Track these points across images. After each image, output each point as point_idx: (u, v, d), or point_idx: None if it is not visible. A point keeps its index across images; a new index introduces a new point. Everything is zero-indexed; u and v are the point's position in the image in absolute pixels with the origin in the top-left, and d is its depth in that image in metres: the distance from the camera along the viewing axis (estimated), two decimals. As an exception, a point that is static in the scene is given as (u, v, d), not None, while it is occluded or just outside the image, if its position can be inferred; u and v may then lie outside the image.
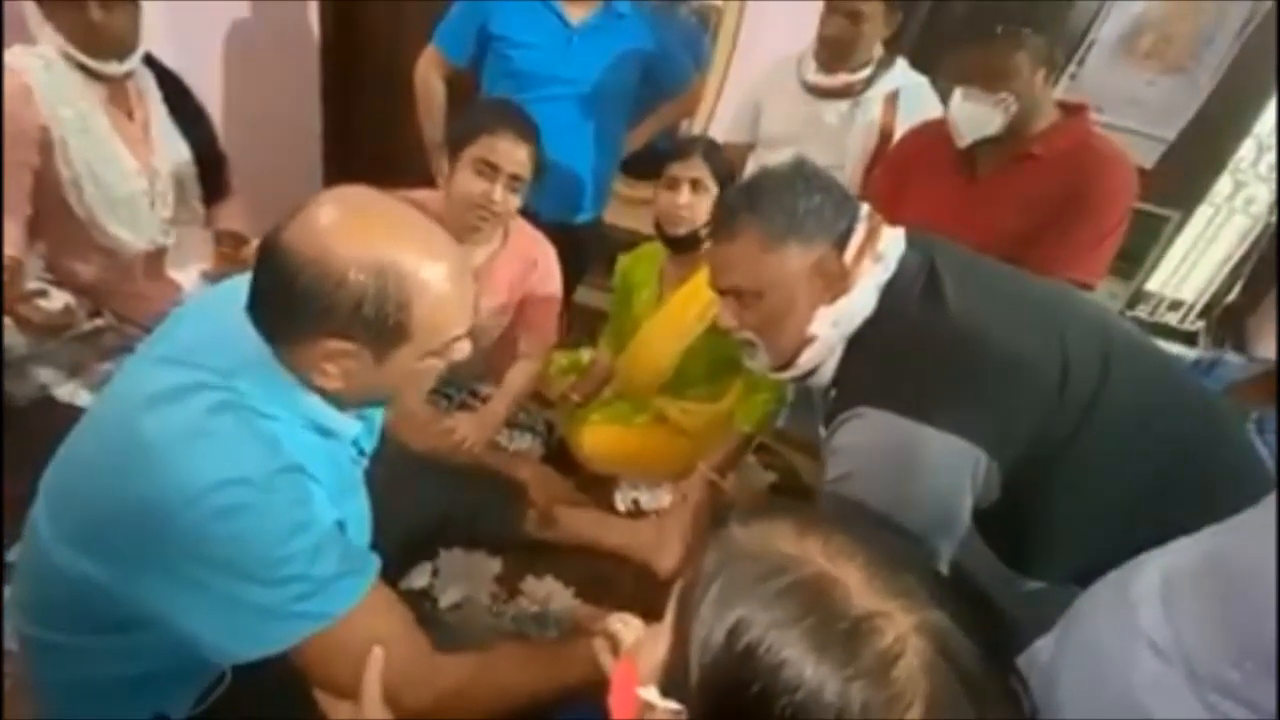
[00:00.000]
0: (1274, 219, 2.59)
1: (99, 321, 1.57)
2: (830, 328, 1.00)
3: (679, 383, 1.62)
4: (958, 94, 1.43)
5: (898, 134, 1.76)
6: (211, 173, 1.76)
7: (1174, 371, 1.08)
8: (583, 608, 1.25)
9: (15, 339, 1.43)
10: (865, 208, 1.04)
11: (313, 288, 0.72)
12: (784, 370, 1.06)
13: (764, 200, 1.00)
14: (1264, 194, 2.60)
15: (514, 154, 1.42)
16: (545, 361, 1.70)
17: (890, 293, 0.99)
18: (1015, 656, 0.65)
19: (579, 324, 2.30)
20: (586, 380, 1.78)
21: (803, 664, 0.44)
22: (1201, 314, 2.82)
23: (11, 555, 0.99)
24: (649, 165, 1.69)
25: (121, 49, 1.49)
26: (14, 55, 1.42)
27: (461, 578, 1.27)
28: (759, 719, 0.44)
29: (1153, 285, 2.80)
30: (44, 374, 1.43)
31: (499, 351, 1.65)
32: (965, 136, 1.46)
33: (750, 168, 1.92)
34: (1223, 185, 2.60)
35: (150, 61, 1.61)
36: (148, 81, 1.61)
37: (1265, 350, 2.37)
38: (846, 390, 1.01)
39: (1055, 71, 1.44)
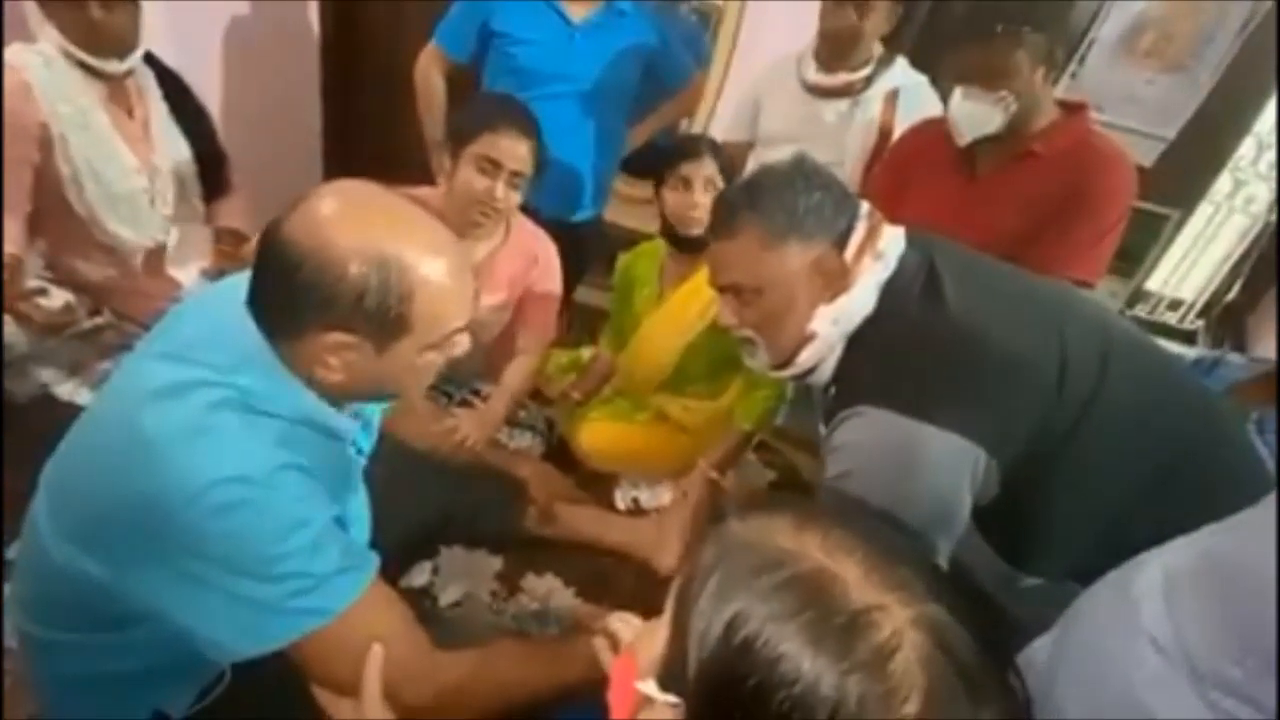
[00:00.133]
0: (1274, 218, 2.59)
1: (99, 319, 1.57)
2: (830, 326, 1.00)
3: (679, 380, 1.62)
4: (957, 93, 1.43)
5: (897, 132, 1.76)
6: (211, 170, 1.76)
7: (1174, 370, 1.08)
8: (583, 606, 1.25)
9: (15, 337, 1.43)
10: (865, 206, 1.04)
11: (314, 279, 0.72)
12: (783, 368, 1.06)
13: (764, 198, 1.00)
14: (1264, 193, 2.60)
15: (515, 150, 1.42)
16: (543, 358, 1.70)
17: (890, 291, 0.99)
18: (1014, 653, 0.65)
19: (579, 322, 2.30)
20: (587, 378, 1.78)
21: (800, 657, 0.44)
22: (1201, 313, 2.82)
23: (11, 553, 0.99)
24: (649, 163, 1.69)
25: (122, 47, 1.49)
26: (13, 52, 1.42)
27: (462, 575, 1.27)
28: (757, 712, 0.44)
29: (1152, 284, 2.80)
30: (44, 372, 1.43)
31: (499, 349, 1.65)
32: (965, 135, 1.46)
33: (750, 166, 1.92)
34: (1222, 184, 2.61)
35: (150, 60, 1.61)
36: (148, 79, 1.61)
37: (1265, 349, 2.37)
38: (846, 388, 1.01)
39: (1055, 70, 1.44)
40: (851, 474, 0.93)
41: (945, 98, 1.50)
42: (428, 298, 0.76)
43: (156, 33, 1.61)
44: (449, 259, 0.78)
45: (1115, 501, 0.95)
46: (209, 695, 0.86)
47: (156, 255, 1.72)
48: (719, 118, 2.55)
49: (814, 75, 1.82)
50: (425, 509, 1.28)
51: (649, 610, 0.64)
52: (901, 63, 1.82)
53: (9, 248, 1.43)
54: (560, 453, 1.62)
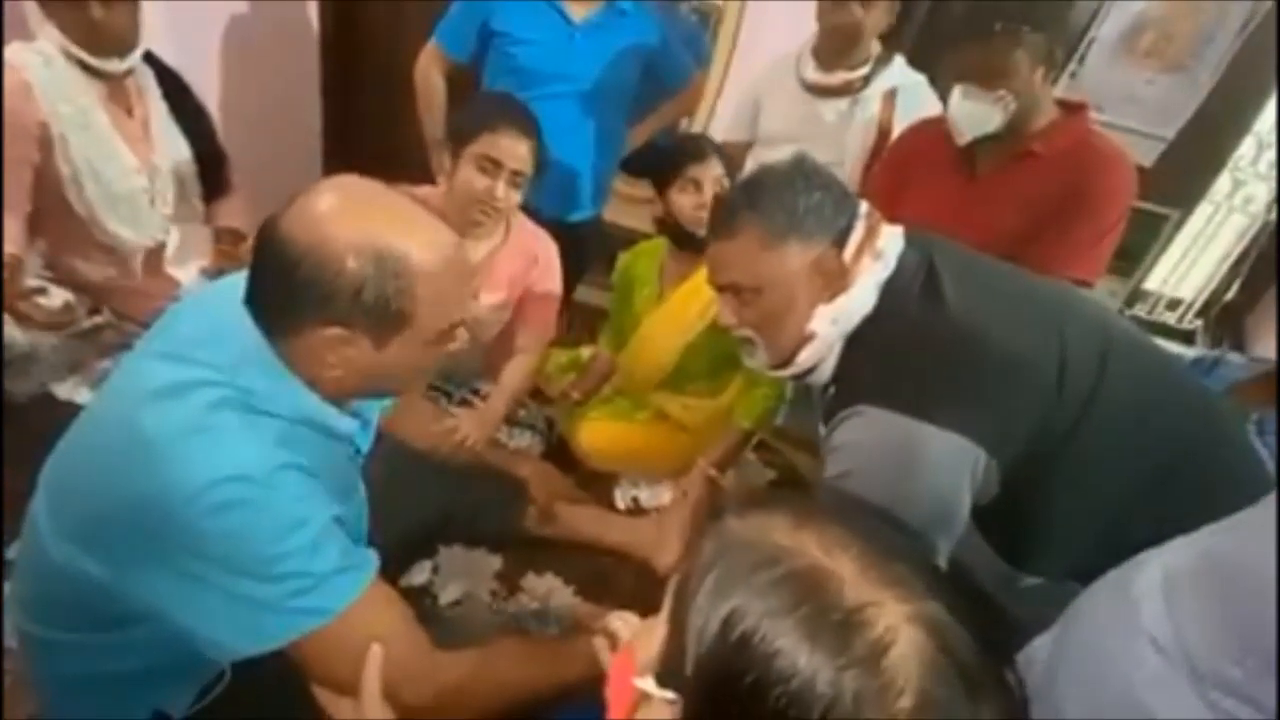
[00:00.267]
0: (1273, 217, 2.60)
1: (99, 319, 1.57)
2: (829, 325, 1.00)
3: (679, 378, 1.62)
4: (957, 92, 1.43)
5: (896, 131, 1.76)
6: (211, 170, 1.76)
7: (1173, 370, 1.08)
8: (583, 605, 1.25)
9: (15, 336, 1.43)
10: (864, 206, 1.04)
11: (312, 275, 0.72)
12: (783, 368, 1.06)
13: (764, 198, 1.00)
14: (1263, 192, 2.60)
15: (516, 150, 1.42)
16: (543, 357, 1.70)
17: (889, 291, 0.99)
18: (1014, 652, 0.65)
19: (579, 322, 2.30)
20: (586, 377, 1.78)
21: (796, 653, 0.44)
22: (1200, 312, 2.83)
23: (11, 552, 0.99)
24: (649, 163, 1.69)
25: (122, 47, 1.49)
26: (13, 51, 1.42)
27: (462, 574, 1.27)
28: (753, 708, 0.45)
29: (1151, 283, 2.81)
30: (44, 371, 1.43)
31: (499, 348, 1.65)
32: (965, 134, 1.46)
33: (749, 165, 1.92)
34: (1222, 183, 2.61)
35: (150, 59, 1.61)
36: (147, 79, 1.61)
37: (1264, 349, 2.38)
38: (846, 388, 1.01)
39: (1055, 70, 1.44)
40: (851, 474, 0.93)
41: (944, 97, 1.50)
42: (426, 291, 0.76)
43: (156, 32, 1.61)
44: (446, 251, 0.78)
45: (1115, 501, 0.95)
46: (209, 695, 0.86)
47: (156, 255, 1.72)
48: (719, 117, 2.55)
49: (813, 74, 1.82)
50: (425, 508, 1.28)
51: (649, 609, 0.64)
52: (899, 61, 1.82)
53: (9, 247, 1.43)
54: (560, 452, 1.62)
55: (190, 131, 1.69)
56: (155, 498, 0.70)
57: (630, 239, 1.82)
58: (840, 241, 0.99)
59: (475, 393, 1.64)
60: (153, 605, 0.74)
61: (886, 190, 1.59)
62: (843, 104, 1.81)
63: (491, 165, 1.42)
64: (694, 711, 0.50)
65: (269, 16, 2.50)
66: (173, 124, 1.66)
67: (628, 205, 2.60)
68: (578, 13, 1.85)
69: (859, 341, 1.01)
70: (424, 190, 1.49)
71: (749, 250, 1.00)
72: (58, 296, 1.53)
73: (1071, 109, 1.47)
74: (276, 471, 0.74)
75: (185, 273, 1.77)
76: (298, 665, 0.77)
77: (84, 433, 0.81)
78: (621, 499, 1.53)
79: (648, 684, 0.53)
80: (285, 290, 0.74)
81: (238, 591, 0.72)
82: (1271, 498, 0.61)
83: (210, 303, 0.84)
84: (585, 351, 1.92)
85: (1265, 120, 2.46)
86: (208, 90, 2.20)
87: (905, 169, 1.62)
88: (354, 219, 0.74)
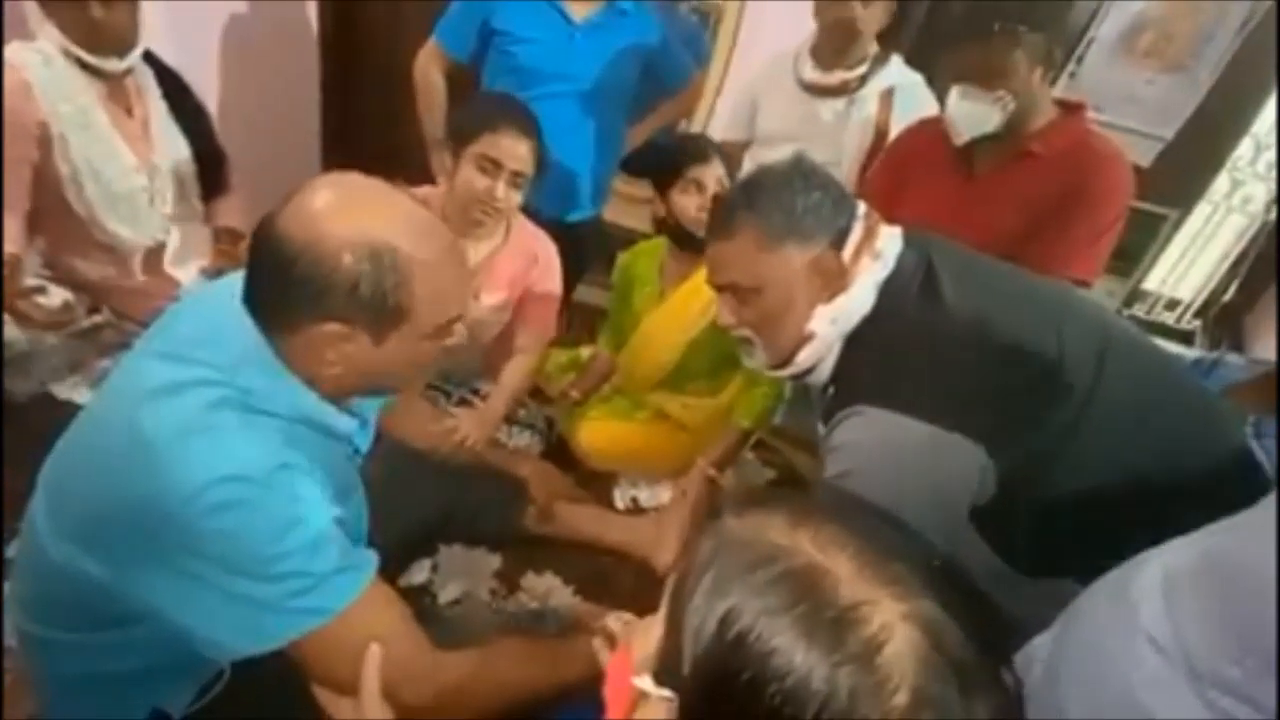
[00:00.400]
0: (1272, 217, 2.60)
1: (98, 318, 1.57)
2: (828, 325, 1.00)
3: (679, 377, 1.63)
4: (955, 92, 1.43)
5: (893, 131, 1.76)
6: (211, 169, 1.76)
7: (1172, 370, 1.08)
8: (582, 605, 1.25)
9: (15, 335, 1.43)
10: (863, 206, 1.04)
11: (309, 271, 0.72)
12: (782, 368, 1.06)
13: (763, 198, 1.00)
14: (1262, 192, 2.60)
15: (516, 150, 1.42)
16: (543, 357, 1.70)
17: (888, 291, 1.00)
18: (1012, 652, 0.65)
19: (578, 322, 2.30)
20: (586, 376, 1.78)
21: (792, 651, 0.44)
22: (1198, 313, 2.83)
23: (11, 551, 0.99)
24: (650, 163, 1.69)
25: (122, 46, 1.49)
26: (13, 51, 1.42)
27: (461, 574, 1.27)
28: (750, 706, 0.45)
29: (1150, 284, 2.81)
30: (43, 370, 1.43)
31: (499, 348, 1.65)
32: (963, 134, 1.46)
33: (747, 165, 1.93)
34: (1221, 183, 2.61)
35: (150, 58, 1.61)
36: (147, 78, 1.61)
37: (1263, 349, 2.38)
38: (845, 388, 1.01)
39: (1053, 70, 1.44)
40: (850, 473, 0.93)
41: (943, 97, 1.50)
42: (423, 284, 0.76)
43: (156, 31, 1.61)
44: (442, 245, 0.78)
45: (1113, 500, 0.95)
46: (208, 694, 0.86)
47: (155, 254, 1.72)
48: (718, 117, 2.55)
49: (810, 73, 1.82)
50: (425, 508, 1.28)
51: (648, 609, 0.64)
52: (897, 61, 1.82)
53: (8, 246, 1.43)
54: (559, 451, 1.62)
55: (190, 131, 1.69)
56: (154, 497, 0.70)
57: (630, 239, 1.82)
58: (839, 242, 0.99)
59: (475, 392, 1.64)
60: (152, 605, 0.74)
61: (885, 190, 1.59)
62: (840, 103, 1.81)
63: (492, 165, 1.42)
64: (691, 710, 0.50)
65: (269, 16, 2.50)
66: (172, 123, 1.65)
67: (628, 205, 2.60)
68: (578, 12, 1.85)
69: (858, 341, 1.01)
70: (424, 190, 1.49)
71: (747, 250, 1.00)
72: (57, 296, 1.53)
73: (1070, 109, 1.48)
74: (276, 471, 0.74)
75: (185, 272, 1.77)
76: (297, 665, 0.77)
77: (83, 432, 0.81)
78: (621, 498, 1.54)
79: (645, 683, 0.53)
80: (282, 287, 0.74)
81: (237, 591, 0.72)
82: (1271, 498, 0.61)
83: (209, 302, 0.84)
84: (585, 351, 1.92)
85: (1264, 120, 2.47)
86: (207, 90, 2.20)
87: (904, 169, 1.63)
88: (349, 215, 0.74)
